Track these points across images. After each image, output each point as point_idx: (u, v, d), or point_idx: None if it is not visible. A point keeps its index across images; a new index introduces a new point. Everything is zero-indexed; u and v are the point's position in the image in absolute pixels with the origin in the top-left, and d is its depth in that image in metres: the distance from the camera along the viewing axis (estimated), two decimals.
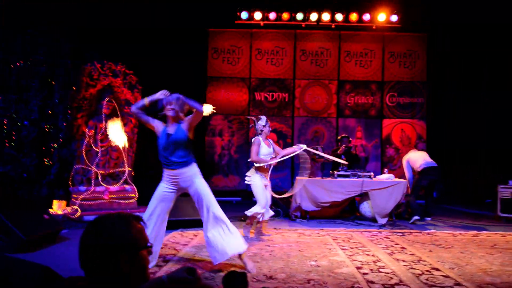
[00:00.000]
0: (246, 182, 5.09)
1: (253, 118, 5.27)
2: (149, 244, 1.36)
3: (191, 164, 3.56)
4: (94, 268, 1.28)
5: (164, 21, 8.76)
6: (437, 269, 3.56)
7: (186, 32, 9.06)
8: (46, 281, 1.67)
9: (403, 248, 4.48)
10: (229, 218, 6.61)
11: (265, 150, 4.98)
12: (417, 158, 7.06)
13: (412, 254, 4.15)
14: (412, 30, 9.62)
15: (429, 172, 6.80)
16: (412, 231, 5.61)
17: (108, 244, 1.27)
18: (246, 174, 5.08)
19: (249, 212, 4.92)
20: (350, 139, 7.65)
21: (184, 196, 6.09)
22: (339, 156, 7.08)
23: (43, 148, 6.17)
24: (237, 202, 8.87)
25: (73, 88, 6.20)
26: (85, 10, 7.45)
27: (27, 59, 6.03)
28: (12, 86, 5.97)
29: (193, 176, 3.55)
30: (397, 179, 6.65)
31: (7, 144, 6.00)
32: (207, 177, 9.46)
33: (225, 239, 3.42)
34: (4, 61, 5.95)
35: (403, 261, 3.87)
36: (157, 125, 3.59)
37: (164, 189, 3.57)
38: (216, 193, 9.16)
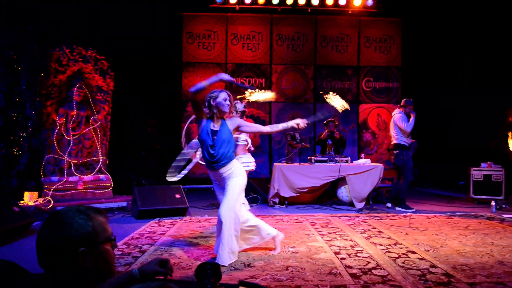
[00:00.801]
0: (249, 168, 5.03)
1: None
2: (112, 237, 1.30)
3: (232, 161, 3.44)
4: (52, 264, 1.20)
5: (138, 5, 8.48)
6: (413, 252, 3.62)
7: (160, 17, 8.80)
8: (11, 278, 1.58)
9: (380, 232, 4.54)
10: (208, 205, 6.59)
11: (243, 135, 4.92)
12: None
13: (389, 238, 4.22)
14: (388, 15, 9.65)
15: (412, 147, 6.55)
16: (388, 214, 5.71)
17: (65, 238, 1.20)
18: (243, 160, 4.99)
19: None
20: (336, 122, 7.68)
21: (160, 185, 6.00)
22: (324, 142, 7.11)
23: (11, 138, 5.90)
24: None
25: (41, 74, 5.92)
26: None
27: None
28: None
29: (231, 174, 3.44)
30: (373, 164, 6.73)
31: None
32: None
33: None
34: None
35: (380, 244, 3.92)
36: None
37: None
38: (194, 180, 9.08)
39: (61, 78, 6.04)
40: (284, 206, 6.39)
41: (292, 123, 3.51)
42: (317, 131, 9.45)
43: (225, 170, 3.36)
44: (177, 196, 5.65)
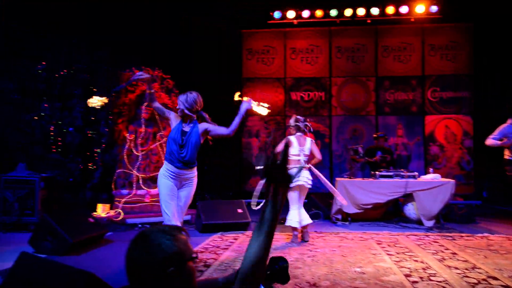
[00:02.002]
0: (309, 185, 5.03)
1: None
2: (194, 255, 1.34)
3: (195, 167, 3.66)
4: (142, 284, 1.26)
5: (198, 25, 8.83)
6: (495, 278, 3.32)
7: (219, 35, 9.09)
8: None
9: (454, 253, 4.23)
10: None
11: (295, 150, 4.88)
12: None
13: (465, 261, 3.91)
14: (455, 20, 9.15)
15: None
16: (462, 234, 5.32)
17: (155, 260, 1.25)
18: (306, 175, 4.99)
19: (288, 222, 4.85)
20: (386, 137, 7.40)
21: (224, 199, 6.13)
22: (376, 165, 6.87)
23: (87, 153, 6.36)
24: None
25: (113, 94, 6.34)
26: (120, 18, 7.61)
27: (70, 68, 6.23)
28: (57, 94, 6.19)
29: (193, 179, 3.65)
30: (444, 179, 6.34)
31: (54, 150, 6.23)
32: (244, 178, 9.52)
33: None
34: (49, 71, 6.18)
35: (456, 268, 3.65)
36: (173, 118, 3.66)
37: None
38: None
39: (131, 97, 6.42)
40: (348, 223, 6.21)
41: (242, 109, 3.71)
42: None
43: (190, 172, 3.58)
44: (239, 210, 5.71)
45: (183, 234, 1.34)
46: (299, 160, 4.87)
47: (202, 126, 3.62)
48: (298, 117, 5.10)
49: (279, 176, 1.25)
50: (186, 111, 3.56)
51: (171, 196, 3.53)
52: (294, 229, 4.90)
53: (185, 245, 1.31)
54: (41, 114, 6.04)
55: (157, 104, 3.74)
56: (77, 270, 2.23)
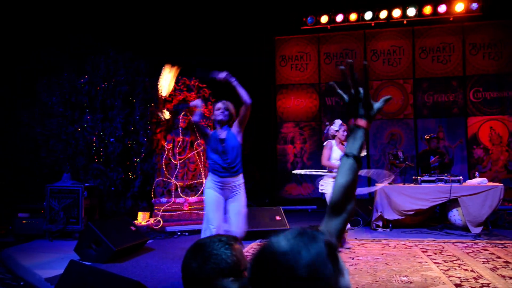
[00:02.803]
0: (320, 190, 4.95)
1: (327, 123, 5.16)
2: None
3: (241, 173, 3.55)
4: None
5: (233, 32, 8.92)
6: None
7: (253, 42, 9.14)
8: None
9: (508, 262, 3.99)
10: (306, 228, 6.51)
11: (337, 154, 4.81)
12: None
13: None
14: (496, 17, 8.75)
15: None
16: None
17: (215, 270, 1.24)
18: (319, 181, 4.95)
19: None
20: (440, 137, 7.12)
21: (260, 206, 6.11)
22: (428, 167, 6.63)
23: (127, 163, 6.53)
24: (312, 211, 8.68)
25: (152, 104, 6.50)
26: (156, 28, 7.82)
27: (110, 81, 6.45)
28: (98, 106, 6.42)
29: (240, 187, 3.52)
30: (491, 183, 6.02)
31: (96, 160, 6.45)
32: (280, 185, 9.47)
33: None
34: (91, 84, 6.42)
35: (511, 278, 3.43)
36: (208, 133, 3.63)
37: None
38: (290, 201, 9.12)
39: (168, 107, 6.55)
40: (388, 229, 6.01)
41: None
42: (419, 148, 8.83)
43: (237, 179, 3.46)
44: (278, 218, 5.66)
45: (238, 244, 1.33)
46: None
47: (233, 127, 3.58)
48: (342, 122, 5.06)
49: (361, 109, 1.21)
50: (226, 118, 3.53)
51: (217, 207, 3.44)
52: None
53: (242, 254, 1.30)
54: (84, 126, 6.27)
55: (200, 122, 3.69)
56: (124, 279, 2.27)
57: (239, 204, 3.50)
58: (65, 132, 6.31)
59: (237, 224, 3.46)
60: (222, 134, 3.52)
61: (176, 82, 6.63)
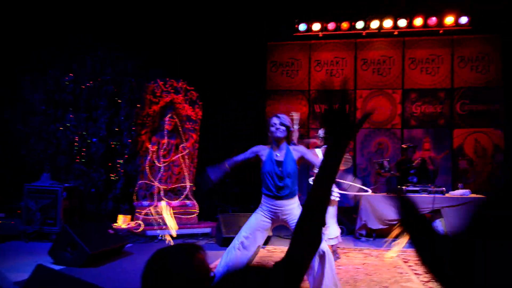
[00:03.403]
0: None
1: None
2: (212, 274, 1.27)
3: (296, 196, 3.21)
4: None
5: (223, 36, 8.88)
6: None
7: (244, 47, 9.11)
8: None
9: None
10: (289, 234, 6.44)
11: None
12: None
13: None
14: (485, 32, 8.86)
15: None
16: None
17: (170, 279, 1.20)
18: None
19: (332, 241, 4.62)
20: (416, 147, 7.16)
21: (245, 212, 6.03)
22: (406, 171, 6.65)
23: (110, 164, 6.42)
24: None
25: (138, 105, 6.41)
26: (144, 29, 7.74)
27: (96, 79, 6.35)
28: (82, 105, 6.30)
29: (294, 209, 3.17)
30: (474, 195, 6.05)
31: (78, 160, 6.32)
32: None
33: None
34: (76, 82, 6.31)
35: None
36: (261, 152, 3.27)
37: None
38: None
39: (154, 108, 6.47)
40: (372, 239, 5.99)
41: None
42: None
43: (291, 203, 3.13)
44: None
45: (201, 253, 1.29)
46: None
47: (295, 151, 3.20)
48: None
49: (341, 126, 1.17)
50: (283, 134, 3.18)
51: (256, 226, 3.13)
52: None
53: (202, 263, 1.26)
54: (67, 125, 6.14)
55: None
56: (93, 286, 2.18)
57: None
58: (47, 131, 6.17)
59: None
60: (280, 155, 3.17)
61: (164, 84, 6.56)
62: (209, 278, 1.26)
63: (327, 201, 1.22)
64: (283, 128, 3.16)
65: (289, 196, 3.12)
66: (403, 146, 7.09)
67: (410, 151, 6.91)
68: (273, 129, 3.17)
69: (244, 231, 3.11)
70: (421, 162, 6.77)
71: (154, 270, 1.23)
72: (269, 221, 3.14)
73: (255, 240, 3.10)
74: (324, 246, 3.03)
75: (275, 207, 3.11)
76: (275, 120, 3.20)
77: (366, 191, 5.42)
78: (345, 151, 1.19)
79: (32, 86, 6.24)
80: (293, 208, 3.13)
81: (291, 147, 3.18)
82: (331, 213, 4.74)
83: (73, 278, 2.33)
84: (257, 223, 3.12)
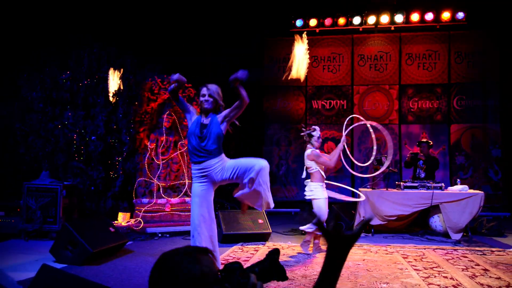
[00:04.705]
0: (307, 196, 4.93)
1: (306, 129, 5.14)
2: (220, 276, 1.28)
3: (220, 155, 3.48)
4: None
5: (221, 32, 8.86)
6: None
7: (242, 43, 9.09)
8: None
9: (486, 270, 4.03)
10: (289, 230, 6.47)
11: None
12: None
13: (498, 278, 3.71)
14: (481, 27, 8.90)
15: None
16: (493, 249, 5.08)
17: (175, 283, 1.19)
18: (306, 188, 4.94)
19: (309, 229, 4.77)
20: (431, 143, 7.16)
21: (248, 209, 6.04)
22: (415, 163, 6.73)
23: (109, 162, 6.40)
24: (295, 213, 8.66)
25: (136, 103, 6.38)
26: (141, 26, 7.71)
27: (93, 77, 6.32)
28: (80, 103, 6.27)
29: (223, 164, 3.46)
30: (472, 191, 6.10)
31: (76, 158, 6.30)
32: None
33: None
34: (73, 80, 6.28)
35: (489, 286, 3.46)
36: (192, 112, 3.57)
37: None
38: (274, 204, 9.03)
39: (152, 106, 6.45)
40: (371, 234, 6.03)
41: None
42: (402, 154, 8.91)
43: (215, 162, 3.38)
44: (260, 221, 5.62)
45: (208, 256, 1.28)
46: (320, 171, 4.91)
47: (220, 114, 3.49)
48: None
49: (335, 241, 1.24)
50: (210, 106, 3.47)
51: (200, 202, 3.43)
52: (316, 237, 4.83)
53: (209, 267, 1.25)
54: (65, 123, 6.11)
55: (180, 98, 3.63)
56: (99, 286, 2.19)
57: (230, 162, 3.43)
58: (45, 129, 6.14)
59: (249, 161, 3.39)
60: (206, 120, 3.48)
61: (162, 81, 6.53)
62: (216, 281, 1.26)
63: None
64: (211, 99, 3.42)
65: (215, 155, 3.38)
66: (422, 140, 7.08)
67: (424, 146, 6.92)
68: (202, 99, 3.45)
69: (197, 209, 3.38)
70: (412, 156, 6.84)
71: (159, 272, 1.22)
72: (207, 184, 3.42)
73: (209, 205, 3.43)
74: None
75: (204, 170, 3.37)
76: (204, 91, 3.46)
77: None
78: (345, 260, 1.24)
79: (30, 84, 6.20)
80: (220, 164, 3.40)
81: (218, 115, 3.48)
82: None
83: (79, 277, 2.33)
84: (201, 193, 3.40)
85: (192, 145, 3.42)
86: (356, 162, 6.24)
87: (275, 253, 1.46)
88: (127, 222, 6.12)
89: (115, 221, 6.01)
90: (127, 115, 6.39)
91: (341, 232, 1.23)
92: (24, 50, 6.69)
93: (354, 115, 7.18)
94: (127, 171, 6.47)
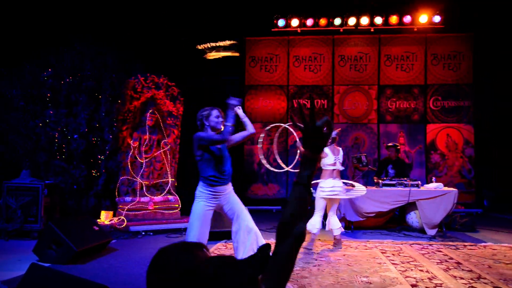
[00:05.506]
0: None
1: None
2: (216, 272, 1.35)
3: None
4: None
5: (202, 31, 8.87)
6: None
7: (223, 40, 9.12)
8: None
9: (459, 263, 4.24)
10: (271, 228, 6.58)
11: (329, 159, 5.17)
12: None
13: (470, 271, 3.92)
14: (457, 30, 9.22)
15: None
16: (465, 244, 5.32)
17: (171, 278, 1.25)
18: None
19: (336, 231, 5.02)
20: (399, 146, 7.39)
21: None
22: (386, 164, 6.95)
23: (91, 160, 6.36)
24: (277, 211, 8.79)
25: (119, 101, 6.36)
26: (124, 24, 7.66)
27: (75, 75, 6.26)
28: (62, 101, 6.21)
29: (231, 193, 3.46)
30: (447, 188, 6.35)
31: (58, 157, 6.24)
32: (246, 186, 9.50)
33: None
34: (55, 77, 6.20)
35: (461, 278, 3.66)
36: None
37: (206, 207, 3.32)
38: (256, 201, 9.19)
39: (135, 104, 6.44)
40: (350, 231, 6.21)
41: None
42: (381, 153, 9.15)
43: (229, 188, 3.41)
44: None
45: (203, 251, 1.34)
46: (334, 169, 5.09)
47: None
48: None
49: (315, 140, 1.30)
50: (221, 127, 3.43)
51: (204, 222, 3.37)
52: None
53: (205, 262, 1.32)
54: (46, 121, 6.04)
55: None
56: (90, 283, 2.23)
57: (237, 200, 3.46)
58: (26, 127, 6.05)
59: (249, 217, 3.39)
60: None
61: (145, 80, 6.54)
62: (211, 276, 1.33)
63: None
64: (222, 120, 3.43)
65: (229, 179, 3.41)
66: (389, 144, 7.30)
67: (392, 150, 7.15)
68: (218, 120, 3.42)
69: (196, 217, 3.28)
70: (397, 158, 7.05)
71: (155, 267, 1.28)
72: (213, 208, 3.37)
73: (208, 229, 3.34)
74: (253, 225, 3.34)
75: (217, 194, 3.33)
76: (218, 113, 3.45)
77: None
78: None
79: (10, 81, 6.10)
80: (230, 192, 3.42)
81: None
82: (334, 208, 5.05)
83: (69, 275, 2.36)
84: (204, 214, 3.29)
85: (213, 168, 3.32)
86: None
87: (266, 248, 1.54)
88: (110, 220, 6.10)
89: (98, 220, 5.99)
90: (110, 114, 6.37)
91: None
92: (2, 45, 6.56)
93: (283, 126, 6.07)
94: (109, 170, 6.45)
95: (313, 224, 5.00)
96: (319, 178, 5.20)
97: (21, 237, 5.34)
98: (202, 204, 3.29)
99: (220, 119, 3.41)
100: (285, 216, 1.25)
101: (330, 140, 5.16)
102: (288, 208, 1.26)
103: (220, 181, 3.32)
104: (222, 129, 3.35)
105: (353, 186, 5.80)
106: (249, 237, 3.30)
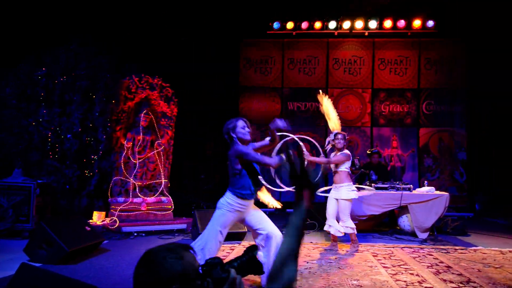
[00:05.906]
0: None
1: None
2: (200, 271, 1.36)
3: None
4: None
5: (198, 33, 8.89)
6: None
7: (218, 44, 9.16)
8: None
9: (449, 267, 4.28)
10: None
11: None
12: None
13: (460, 274, 3.96)
14: (450, 35, 9.32)
15: None
16: (456, 247, 5.37)
17: (158, 279, 1.26)
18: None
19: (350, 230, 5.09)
20: (381, 152, 7.56)
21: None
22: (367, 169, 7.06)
23: (84, 160, 6.34)
24: (270, 213, 8.78)
25: (113, 101, 6.35)
26: (120, 25, 7.66)
27: (69, 74, 6.24)
28: (55, 100, 6.19)
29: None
30: (438, 192, 6.40)
31: (51, 156, 6.21)
32: None
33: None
34: (49, 76, 6.18)
35: (451, 282, 3.69)
36: None
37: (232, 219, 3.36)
38: (255, 203, 9.17)
39: (129, 104, 6.43)
40: (343, 234, 6.22)
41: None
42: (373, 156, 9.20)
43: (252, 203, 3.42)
44: None
45: (190, 252, 1.35)
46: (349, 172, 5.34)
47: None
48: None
49: (304, 182, 1.35)
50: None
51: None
52: None
53: (190, 263, 1.33)
54: (39, 120, 6.02)
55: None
56: (80, 283, 2.23)
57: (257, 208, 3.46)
58: (19, 125, 6.02)
59: (273, 226, 3.39)
60: None
61: (139, 80, 6.53)
62: (198, 277, 1.34)
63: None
64: (249, 131, 3.39)
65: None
66: (368, 151, 7.45)
67: (375, 157, 7.32)
68: (245, 131, 3.34)
69: (219, 226, 3.30)
70: (377, 162, 7.23)
71: (143, 268, 1.29)
72: (236, 220, 3.44)
73: (224, 236, 3.37)
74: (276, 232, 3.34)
75: (245, 207, 3.33)
76: (243, 123, 3.37)
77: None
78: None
79: (3, 80, 6.06)
80: (252, 207, 3.44)
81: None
82: (347, 208, 5.09)
83: (59, 275, 2.36)
84: (227, 220, 3.33)
85: (248, 183, 3.29)
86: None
87: (252, 249, 1.57)
88: (102, 221, 6.08)
89: (90, 220, 5.96)
90: (103, 114, 6.35)
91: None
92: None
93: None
94: (102, 170, 6.43)
95: (337, 228, 5.10)
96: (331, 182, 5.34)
97: (12, 237, 5.30)
98: (229, 215, 3.31)
99: (247, 130, 3.33)
100: (280, 256, 1.34)
101: (345, 144, 5.41)
102: (282, 248, 1.34)
103: (252, 196, 3.33)
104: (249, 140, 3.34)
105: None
106: (273, 242, 3.33)
